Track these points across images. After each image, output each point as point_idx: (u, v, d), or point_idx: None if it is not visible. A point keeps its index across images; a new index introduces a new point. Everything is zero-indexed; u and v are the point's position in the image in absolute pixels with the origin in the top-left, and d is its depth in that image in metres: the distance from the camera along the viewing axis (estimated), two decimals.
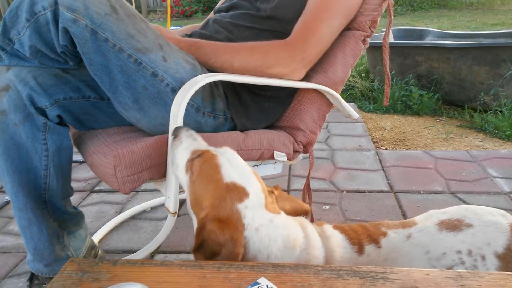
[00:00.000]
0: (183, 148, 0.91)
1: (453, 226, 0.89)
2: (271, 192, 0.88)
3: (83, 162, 2.29)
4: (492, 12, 8.58)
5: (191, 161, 0.87)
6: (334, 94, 1.28)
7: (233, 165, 0.83)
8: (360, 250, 0.88)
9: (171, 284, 0.64)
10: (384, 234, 0.91)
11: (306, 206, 0.96)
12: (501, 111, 2.84)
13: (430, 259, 0.86)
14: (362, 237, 0.90)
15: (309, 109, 1.30)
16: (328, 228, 0.91)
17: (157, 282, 0.62)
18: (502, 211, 0.93)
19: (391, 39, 3.83)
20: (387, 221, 0.96)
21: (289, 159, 1.29)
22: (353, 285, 0.63)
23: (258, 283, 0.57)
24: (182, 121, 1.00)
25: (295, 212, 0.92)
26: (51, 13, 0.89)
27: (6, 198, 1.92)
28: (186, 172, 0.87)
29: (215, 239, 0.73)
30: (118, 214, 1.77)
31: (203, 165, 0.83)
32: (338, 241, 0.88)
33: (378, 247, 0.88)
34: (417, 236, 0.89)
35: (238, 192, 0.78)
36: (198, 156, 0.86)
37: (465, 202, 1.79)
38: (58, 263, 1.16)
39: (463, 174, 2.06)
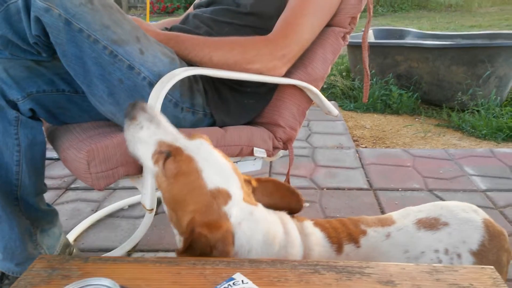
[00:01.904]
0: (146, 137, 0.81)
1: (430, 225, 0.91)
2: (248, 182, 0.87)
3: (58, 159, 2.23)
4: (470, 14, 8.76)
5: (159, 155, 0.79)
6: (314, 91, 1.28)
7: (212, 166, 0.79)
8: (339, 249, 0.88)
9: (144, 280, 0.62)
10: (364, 232, 0.91)
11: (301, 202, 0.93)
12: (478, 111, 2.90)
13: (409, 258, 0.87)
14: (341, 236, 0.90)
15: (289, 106, 1.29)
16: (309, 225, 0.91)
17: (129, 279, 0.60)
18: (474, 206, 0.95)
19: (371, 39, 3.86)
20: (365, 216, 0.97)
21: (268, 155, 1.28)
22: (329, 279, 0.63)
23: (233, 279, 0.56)
24: None
25: (289, 209, 0.91)
26: (22, 1, 0.86)
27: None
28: (153, 165, 0.80)
29: (205, 242, 0.72)
30: (95, 212, 1.73)
31: (180, 170, 0.77)
32: (317, 239, 0.88)
33: (357, 246, 0.89)
34: (396, 235, 0.90)
35: (223, 196, 0.76)
36: (169, 155, 0.78)
37: (442, 200, 1.82)
38: (30, 262, 1.10)
39: (441, 172, 2.10)
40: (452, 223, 0.90)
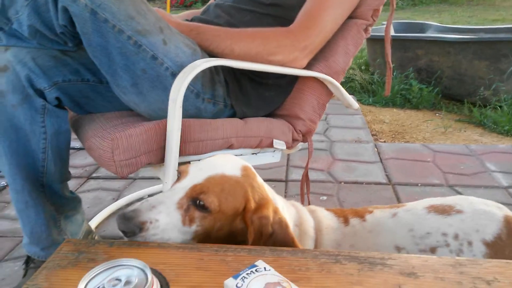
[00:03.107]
0: (167, 222, 0.72)
1: (443, 210, 0.91)
2: None
3: (80, 148, 2.28)
4: (493, 8, 8.55)
5: (187, 217, 0.74)
6: (335, 83, 1.27)
7: (225, 161, 0.81)
8: (345, 222, 0.92)
9: (168, 265, 0.64)
10: (370, 212, 0.95)
11: None
12: (500, 106, 2.84)
13: (414, 237, 0.87)
14: (347, 213, 0.95)
15: (309, 98, 1.29)
16: (313, 206, 0.96)
17: (154, 263, 0.61)
18: (500, 204, 0.94)
19: (391, 32, 3.80)
20: (378, 206, 0.99)
21: (288, 147, 1.28)
22: (351, 269, 0.63)
23: (255, 266, 0.57)
24: (181, 105, 0.99)
25: None
26: None
27: (3, 183, 1.91)
28: (190, 225, 0.74)
29: (266, 224, 0.74)
30: (115, 201, 1.76)
31: (209, 195, 0.74)
32: (323, 213, 0.94)
33: (363, 220, 0.92)
34: (402, 215, 0.92)
35: (252, 176, 0.81)
36: (194, 203, 0.74)
37: (462, 195, 1.79)
38: (55, 247, 1.14)
39: (461, 167, 2.07)
40: (467, 211, 0.90)
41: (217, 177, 0.76)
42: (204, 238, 0.76)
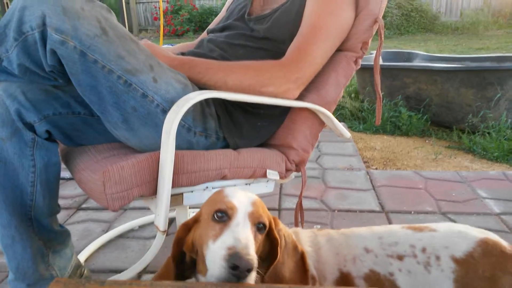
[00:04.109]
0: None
1: (418, 228, 0.96)
2: None
3: (70, 179, 2.25)
4: (477, 37, 8.82)
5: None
6: (327, 113, 1.28)
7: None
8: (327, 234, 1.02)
9: None
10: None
11: None
12: (488, 133, 2.88)
13: (382, 243, 0.94)
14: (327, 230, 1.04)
15: (302, 128, 1.30)
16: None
17: None
18: (490, 232, 0.94)
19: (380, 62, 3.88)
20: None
21: (281, 177, 1.28)
22: None
23: None
24: (175, 137, 0.99)
25: None
26: (39, 34, 0.87)
27: None
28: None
29: (282, 236, 0.87)
30: (105, 233, 1.73)
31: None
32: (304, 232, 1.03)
33: (341, 233, 1.02)
34: (376, 228, 1.00)
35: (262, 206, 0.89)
36: (261, 229, 0.83)
37: (455, 223, 1.79)
38: (41, 283, 1.11)
39: (453, 194, 2.07)
40: (440, 230, 0.94)
41: (256, 201, 0.85)
42: None
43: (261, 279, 0.84)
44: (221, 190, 0.89)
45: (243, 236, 0.75)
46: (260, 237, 0.82)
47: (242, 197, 0.84)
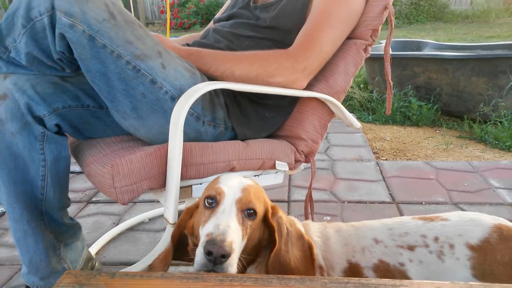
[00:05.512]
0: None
1: (428, 218, 0.95)
2: None
3: (80, 172, 2.27)
4: (487, 25, 8.66)
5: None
6: (336, 103, 1.27)
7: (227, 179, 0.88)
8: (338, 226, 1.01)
9: None
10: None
11: None
12: (500, 122, 2.84)
13: (392, 234, 0.93)
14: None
15: (311, 118, 1.28)
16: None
17: None
18: (501, 218, 0.92)
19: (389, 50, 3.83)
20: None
21: (290, 168, 1.27)
22: None
23: None
24: (182, 129, 0.98)
25: None
26: (47, 18, 0.88)
27: (2, 209, 1.89)
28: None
29: (283, 224, 0.87)
30: (116, 226, 1.74)
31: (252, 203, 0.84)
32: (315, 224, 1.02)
33: (351, 225, 1.01)
34: (385, 220, 0.98)
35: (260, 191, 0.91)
36: (250, 215, 0.82)
37: None
38: (54, 276, 1.12)
39: (465, 184, 2.05)
40: (452, 219, 0.93)
41: (247, 187, 0.84)
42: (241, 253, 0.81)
43: (265, 266, 0.85)
44: (219, 176, 0.90)
45: (223, 223, 0.76)
46: (251, 223, 0.81)
47: (234, 183, 0.84)
